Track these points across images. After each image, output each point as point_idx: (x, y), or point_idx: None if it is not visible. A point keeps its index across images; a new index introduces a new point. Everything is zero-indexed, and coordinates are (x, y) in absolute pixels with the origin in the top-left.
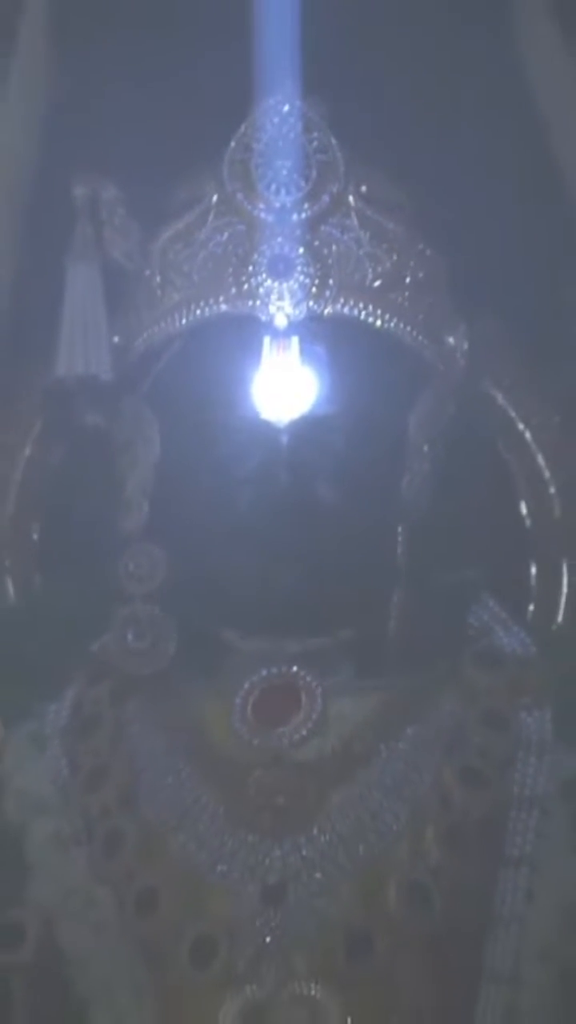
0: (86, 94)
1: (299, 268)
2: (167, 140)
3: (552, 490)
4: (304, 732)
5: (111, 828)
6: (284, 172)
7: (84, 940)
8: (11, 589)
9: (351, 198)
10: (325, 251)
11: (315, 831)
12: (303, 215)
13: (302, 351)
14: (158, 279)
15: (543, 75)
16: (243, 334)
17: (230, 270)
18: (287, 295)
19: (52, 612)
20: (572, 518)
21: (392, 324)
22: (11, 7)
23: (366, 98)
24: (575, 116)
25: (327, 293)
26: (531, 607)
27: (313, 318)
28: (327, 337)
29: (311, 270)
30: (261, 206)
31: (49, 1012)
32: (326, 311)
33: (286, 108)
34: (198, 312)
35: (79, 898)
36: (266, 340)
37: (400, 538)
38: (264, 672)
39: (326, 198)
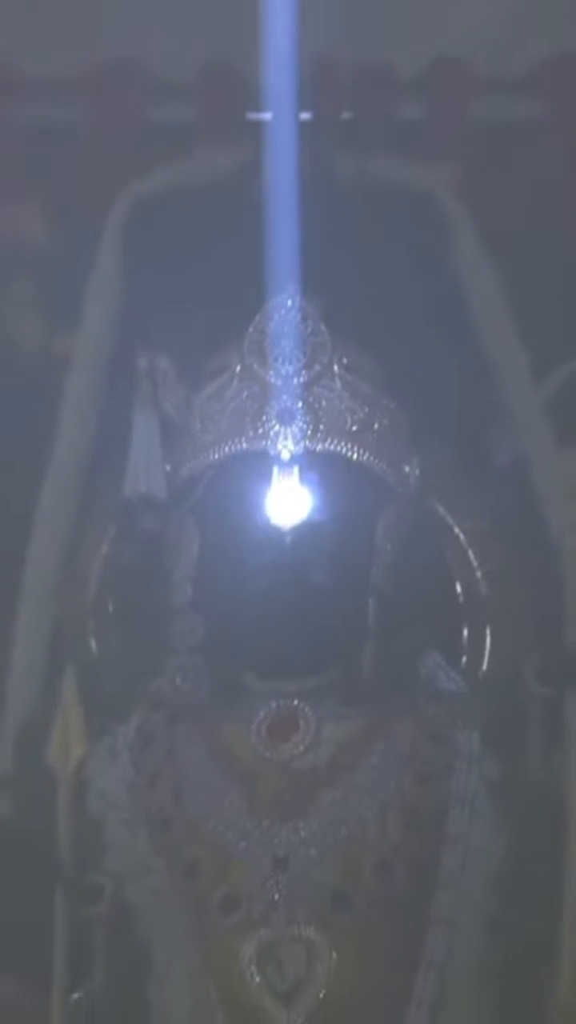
0: (147, 293)
1: (298, 418)
2: (205, 326)
3: (479, 575)
4: (302, 748)
5: (165, 817)
6: (287, 349)
7: (145, 897)
8: (94, 646)
9: (335, 368)
10: (317, 405)
11: (310, 819)
12: (301, 380)
13: (301, 477)
14: (198, 425)
15: (472, 285)
16: (258, 465)
17: (248, 419)
18: (290, 437)
19: (123, 662)
20: (494, 596)
21: (365, 458)
22: (95, 233)
23: (347, 297)
24: (494, 315)
25: (318, 435)
26: (464, 658)
27: (309, 453)
28: (319, 467)
29: (307, 419)
30: (271, 373)
31: (121, 949)
32: (318, 448)
33: (289, 303)
34: (226, 449)
35: (142, 867)
36: (275, 469)
37: (370, 609)
38: (273, 705)
39: (317, 367)
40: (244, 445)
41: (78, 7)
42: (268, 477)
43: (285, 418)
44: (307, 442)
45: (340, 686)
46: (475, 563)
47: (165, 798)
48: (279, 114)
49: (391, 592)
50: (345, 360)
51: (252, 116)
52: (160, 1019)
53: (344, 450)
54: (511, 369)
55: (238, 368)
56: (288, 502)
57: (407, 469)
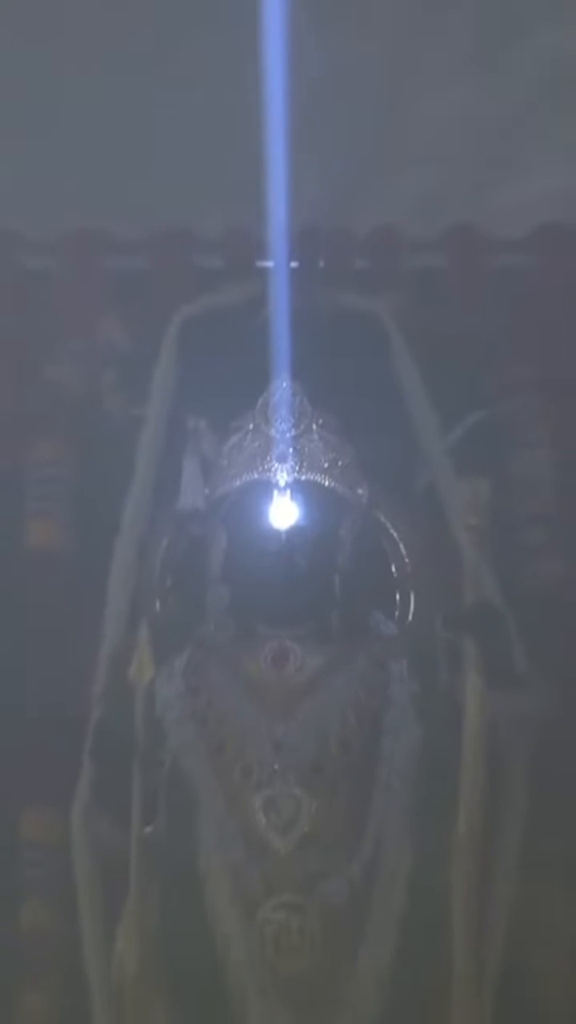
0: (192, 378)
1: (290, 458)
2: (230, 400)
3: (406, 560)
4: (292, 672)
5: (203, 716)
6: (283, 415)
7: (191, 766)
8: (158, 606)
9: (314, 426)
10: (302, 451)
11: (297, 717)
12: (291, 434)
13: (292, 497)
14: (225, 463)
15: (402, 373)
16: (264, 489)
17: (258, 460)
18: (285, 471)
19: (177, 617)
20: (416, 573)
21: (333, 484)
22: (158, 339)
23: (322, 383)
24: (416, 393)
25: (303, 470)
26: (396, 614)
27: (297, 482)
28: (303, 490)
29: (296, 459)
30: (272, 430)
31: (176, 800)
32: (303, 478)
33: (284, 386)
34: (243, 479)
35: (189, 746)
36: (275, 492)
37: (336, 582)
38: (274, 644)
39: (302, 426)
40: (255, 476)
41: (147, 185)
42: (271, 497)
43: (282, 459)
44: (296, 474)
45: (317, 632)
46: (403, 552)
47: (203, 703)
48: (278, 263)
49: (349, 571)
50: (320, 421)
51: (260, 264)
52: (201, 847)
53: (320, 479)
54: (427, 427)
55: (251, 427)
56: (283, 513)
57: (360, 491)
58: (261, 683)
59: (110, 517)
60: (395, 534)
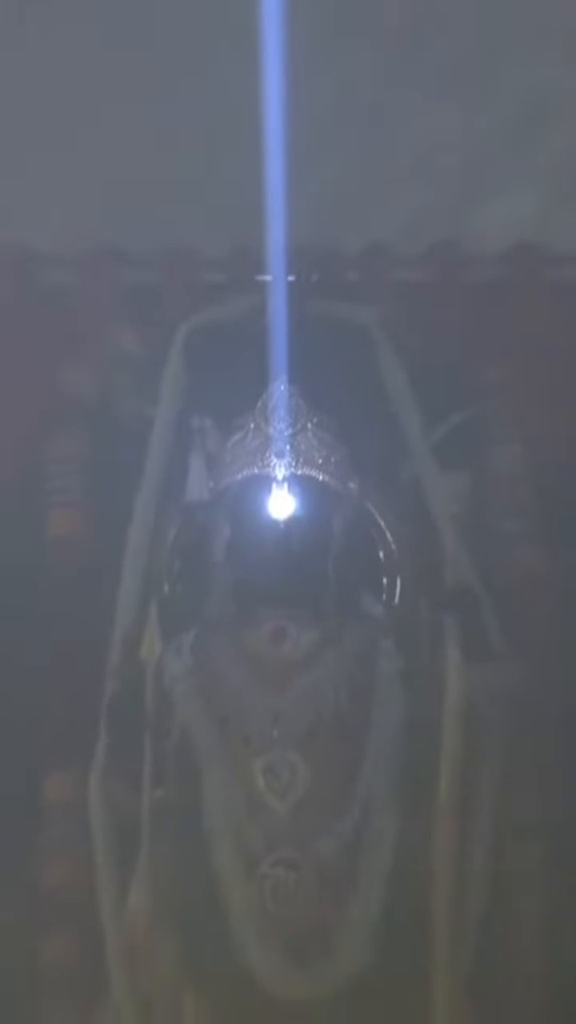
0: (198, 381)
1: (287, 455)
2: (232, 401)
3: (393, 547)
4: (289, 648)
5: (207, 689)
6: (281, 414)
7: (197, 734)
8: (167, 589)
9: (309, 425)
10: (298, 448)
11: (294, 690)
12: (288, 432)
13: (289, 490)
14: (228, 459)
15: (389, 376)
16: (264, 483)
17: (258, 456)
18: (283, 466)
19: (184, 598)
20: (401, 559)
21: (326, 479)
22: (167, 346)
23: (316, 384)
24: (402, 394)
25: (299, 465)
26: (384, 596)
27: (293, 476)
28: (299, 484)
29: (292, 456)
30: (271, 429)
31: (185, 765)
32: (299, 472)
33: (282, 388)
34: (245, 473)
35: (195, 717)
36: (274, 485)
37: (329, 566)
38: (273, 622)
39: (298, 425)
40: (255, 470)
41: (158, 207)
42: (270, 490)
43: (280, 455)
44: (293, 469)
45: (312, 612)
46: (390, 539)
47: (207, 678)
48: (276, 277)
49: (341, 557)
50: (315, 420)
51: (260, 278)
52: (207, 809)
53: (314, 474)
54: (411, 426)
55: (251, 426)
56: (281, 504)
57: (351, 485)
58: (261, 659)
59: (124, 508)
60: (383, 523)
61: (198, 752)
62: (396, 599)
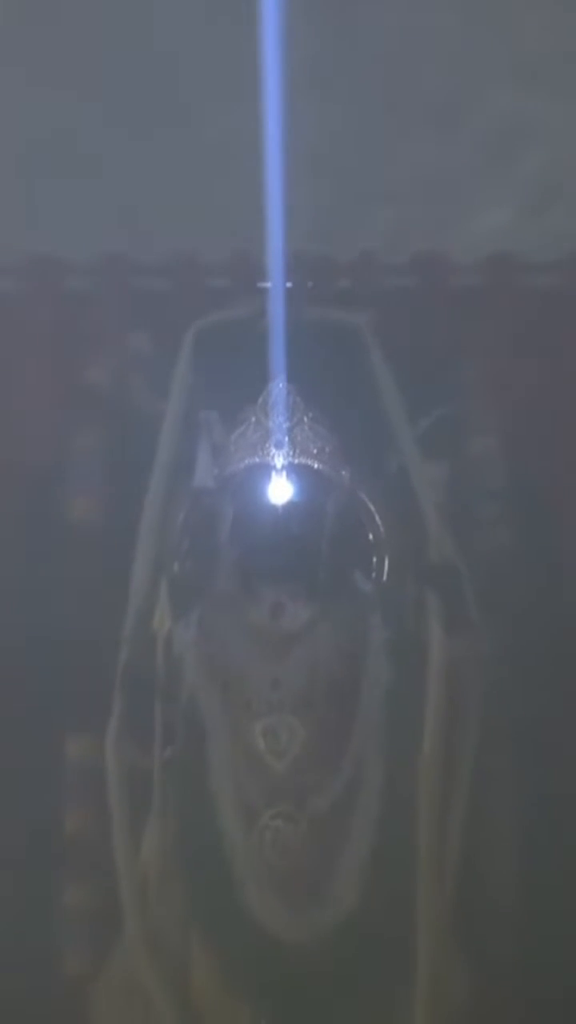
0: (205, 378)
1: (285, 446)
2: (236, 396)
3: (381, 529)
4: (286, 621)
5: (212, 658)
6: (279, 409)
7: (203, 698)
8: (177, 568)
9: (305, 419)
10: (295, 439)
11: (291, 660)
12: (287, 425)
13: (287, 478)
14: (231, 449)
15: (378, 374)
16: (265, 471)
17: (259, 446)
18: (281, 456)
19: (192, 576)
20: (389, 540)
21: (321, 467)
22: (177, 347)
23: (312, 382)
24: (389, 390)
25: (296, 455)
26: (373, 574)
27: (291, 465)
28: (296, 472)
29: (290, 447)
30: (271, 422)
31: (191, 727)
32: (296, 462)
33: (281, 385)
34: (247, 462)
35: (202, 684)
36: (273, 473)
37: (323, 546)
38: (273, 598)
39: (295, 419)
40: (257, 460)
41: (167, 219)
42: (269, 477)
43: (279, 446)
44: (290, 459)
45: (308, 589)
46: (379, 522)
47: (214, 647)
48: (275, 284)
49: (334, 538)
50: (311, 415)
51: (261, 285)
52: (212, 768)
53: (310, 463)
54: (398, 419)
55: (253, 419)
56: (280, 491)
57: (343, 473)
58: (261, 631)
59: (137, 494)
60: (372, 508)
61: (204, 715)
62: (384, 576)
